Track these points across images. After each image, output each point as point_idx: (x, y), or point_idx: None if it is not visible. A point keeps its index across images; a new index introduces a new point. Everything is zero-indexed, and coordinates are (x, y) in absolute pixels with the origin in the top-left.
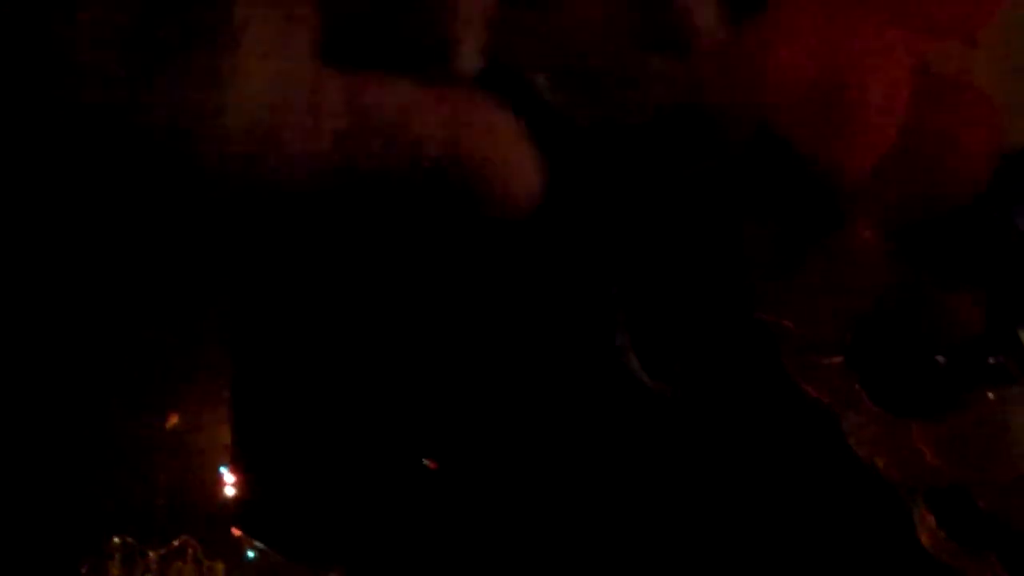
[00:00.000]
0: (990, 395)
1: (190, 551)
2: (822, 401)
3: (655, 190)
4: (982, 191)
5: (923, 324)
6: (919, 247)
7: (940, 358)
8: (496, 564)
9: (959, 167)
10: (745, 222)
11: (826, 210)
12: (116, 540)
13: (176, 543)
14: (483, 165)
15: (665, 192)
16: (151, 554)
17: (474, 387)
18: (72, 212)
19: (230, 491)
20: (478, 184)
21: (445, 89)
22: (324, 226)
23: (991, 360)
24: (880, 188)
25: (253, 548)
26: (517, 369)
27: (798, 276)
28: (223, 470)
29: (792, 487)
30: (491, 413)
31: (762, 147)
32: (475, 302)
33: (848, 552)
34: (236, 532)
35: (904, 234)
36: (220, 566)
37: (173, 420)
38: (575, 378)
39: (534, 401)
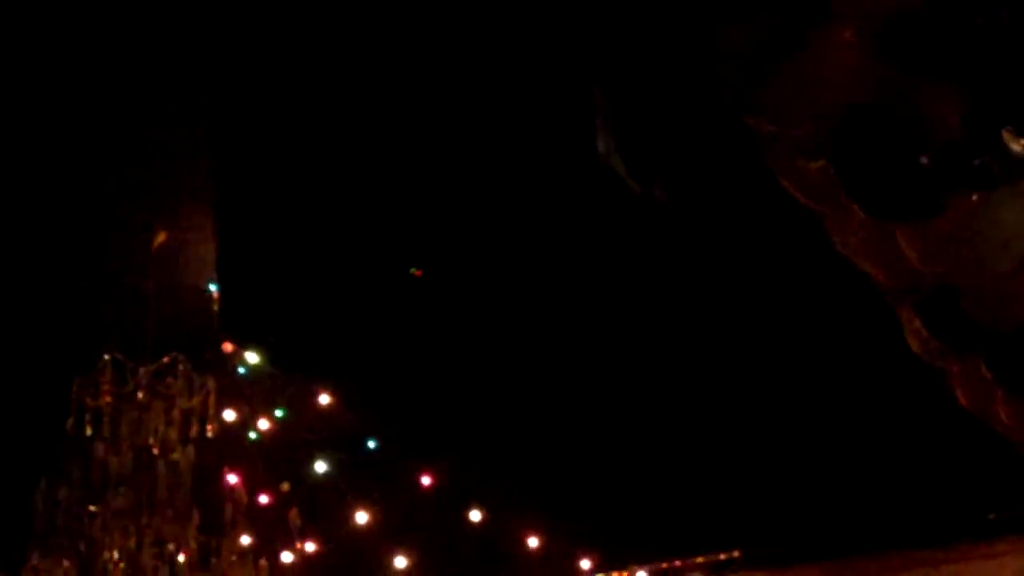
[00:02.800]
0: (973, 197)
1: (180, 367)
2: (808, 204)
3: None
4: None
5: (905, 125)
6: (900, 47)
7: (923, 159)
8: (484, 372)
9: None
10: (723, 23)
11: (803, 8)
12: (107, 357)
13: (166, 359)
14: None
15: None
16: (142, 370)
17: (460, 197)
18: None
19: (219, 307)
20: None
21: None
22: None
23: (974, 162)
24: None
25: (244, 363)
26: (502, 178)
27: (779, 77)
28: (212, 287)
29: (779, 292)
30: (477, 221)
31: None
32: (455, 118)
33: (837, 356)
34: (227, 347)
35: (885, 33)
36: (211, 381)
37: (161, 238)
38: (561, 184)
39: (521, 209)
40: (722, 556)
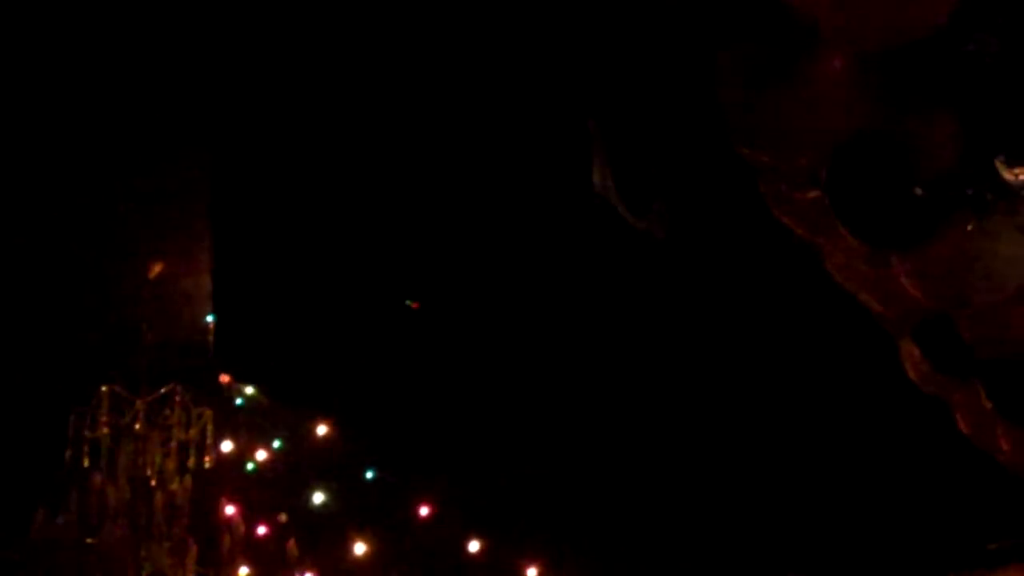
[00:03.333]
0: (967, 225)
1: (178, 398)
2: (804, 235)
3: (627, 22)
4: (948, 18)
5: (899, 154)
6: (893, 76)
7: (916, 188)
8: (481, 401)
9: None
10: (715, 54)
11: (791, 38)
12: (104, 389)
13: (164, 391)
14: None
15: (637, 25)
16: (139, 402)
17: (456, 228)
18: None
19: (216, 338)
20: None
21: None
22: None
23: (967, 190)
24: (845, 15)
25: (241, 394)
26: (501, 208)
27: (770, 107)
28: (209, 318)
29: (778, 324)
30: (474, 250)
31: None
32: (454, 146)
33: (836, 387)
34: (224, 379)
35: (876, 63)
36: (208, 412)
37: (157, 269)
38: (557, 215)
39: (517, 239)
40: None
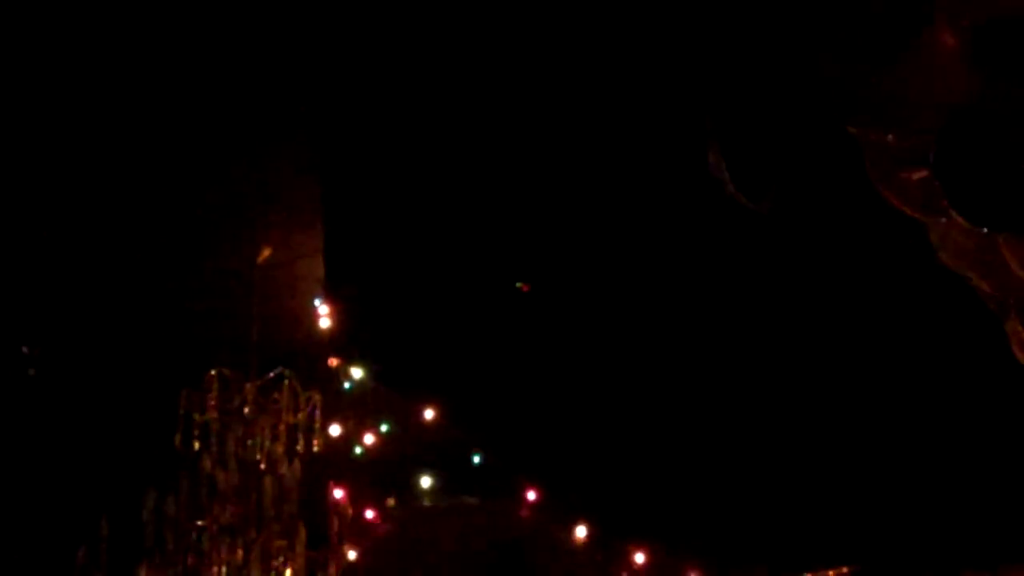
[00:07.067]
0: None
1: (286, 382)
2: (911, 215)
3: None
4: None
5: (1007, 132)
6: (1002, 53)
7: None
8: (588, 386)
9: None
10: (826, 29)
11: (903, 14)
12: (214, 372)
13: (272, 374)
14: None
15: (748, 8)
16: (248, 386)
17: (568, 209)
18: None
19: (325, 323)
20: None
21: None
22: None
23: None
24: None
25: (349, 379)
26: (611, 192)
27: (881, 84)
28: (317, 302)
29: (884, 303)
30: (584, 234)
31: None
32: (567, 130)
33: (940, 366)
34: (332, 362)
35: (986, 40)
36: (317, 396)
37: (266, 254)
38: (670, 198)
39: (629, 223)
40: (830, 573)
